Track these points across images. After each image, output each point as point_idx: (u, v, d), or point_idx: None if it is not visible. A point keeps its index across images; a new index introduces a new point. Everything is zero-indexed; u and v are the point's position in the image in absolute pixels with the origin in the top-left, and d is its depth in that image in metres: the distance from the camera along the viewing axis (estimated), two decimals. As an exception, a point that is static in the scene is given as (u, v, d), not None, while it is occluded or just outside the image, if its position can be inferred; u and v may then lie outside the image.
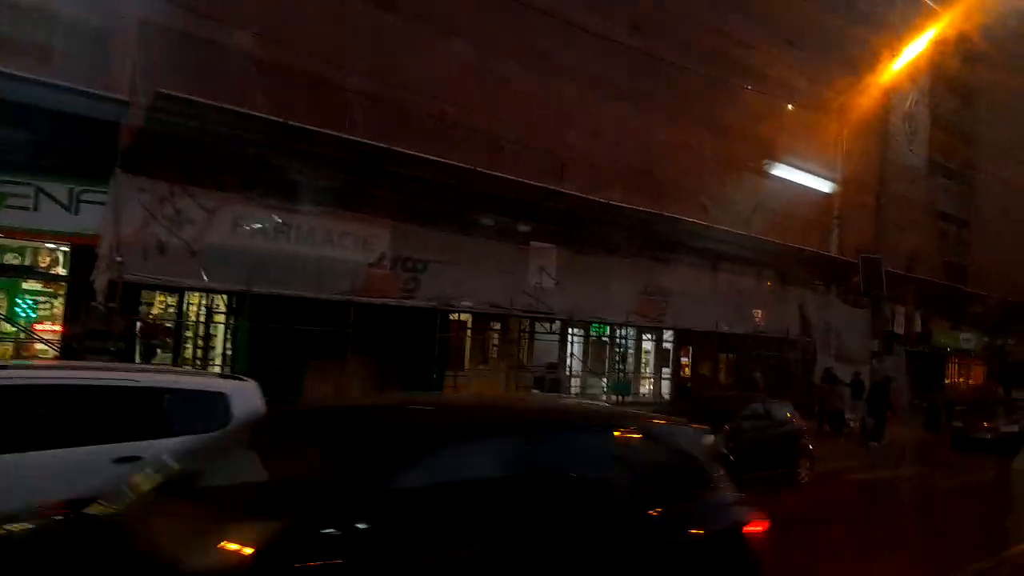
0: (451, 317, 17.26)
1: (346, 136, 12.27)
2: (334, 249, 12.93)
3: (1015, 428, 17.63)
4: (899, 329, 28.06)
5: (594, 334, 20.60)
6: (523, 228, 15.69)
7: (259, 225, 12.22)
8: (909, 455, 15.90)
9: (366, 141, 12.32)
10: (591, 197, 15.64)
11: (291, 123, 11.16)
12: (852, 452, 16.48)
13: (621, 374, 22.26)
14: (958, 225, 33.10)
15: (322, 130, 11.68)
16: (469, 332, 17.74)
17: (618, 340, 21.70)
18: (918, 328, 29.53)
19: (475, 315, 17.14)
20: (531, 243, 16.31)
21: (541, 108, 16.18)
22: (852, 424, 20.14)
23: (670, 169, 19.02)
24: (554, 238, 16.78)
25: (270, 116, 11.08)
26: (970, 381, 36.48)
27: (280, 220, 12.39)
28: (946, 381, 34.28)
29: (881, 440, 17.95)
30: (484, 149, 15.19)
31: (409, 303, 13.98)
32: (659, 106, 18.59)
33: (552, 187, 14.91)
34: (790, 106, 21.77)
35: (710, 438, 5.63)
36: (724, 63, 19.83)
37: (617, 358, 22.17)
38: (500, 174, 14.26)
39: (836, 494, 11.61)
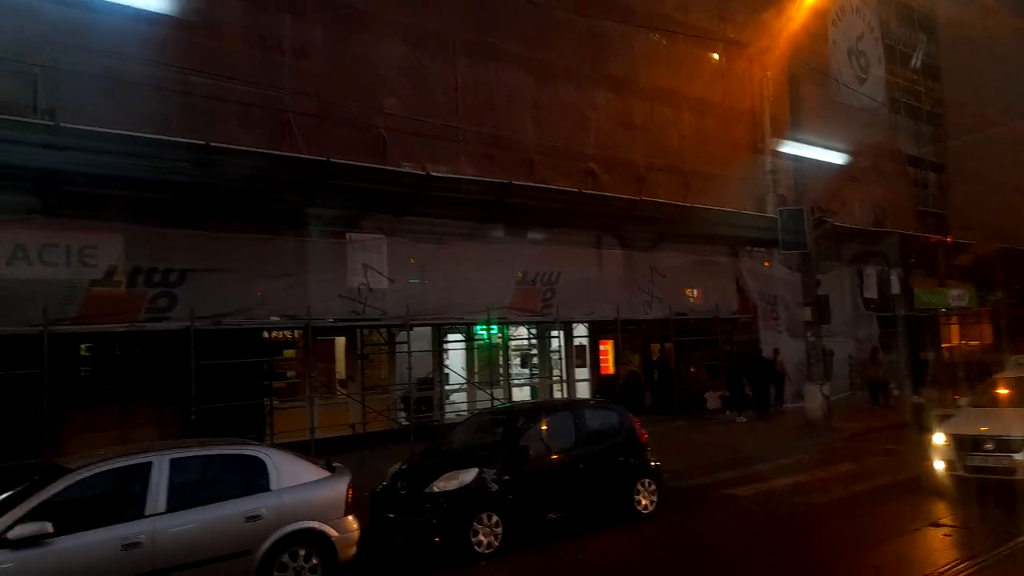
0: (268, 336, 14.23)
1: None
2: (29, 267, 9.92)
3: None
4: (870, 293, 24.55)
5: (480, 338, 17.39)
6: (321, 215, 12.45)
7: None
8: (846, 446, 12.43)
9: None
10: (406, 170, 12.59)
11: None
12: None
13: (534, 379, 19.07)
14: (934, 170, 29.37)
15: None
16: (295, 353, 14.55)
17: (515, 341, 18.50)
18: (895, 290, 25.88)
19: (306, 332, 13.99)
20: (349, 235, 13.22)
21: (336, 59, 13.04)
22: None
23: (541, 131, 15.80)
24: (384, 225, 13.69)
25: None
26: (971, 343, 32.66)
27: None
28: (943, 345, 30.52)
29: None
30: (267, 125, 12.15)
31: (158, 327, 10.92)
32: (514, 55, 15.40)
33: (343, 161, 11.78)
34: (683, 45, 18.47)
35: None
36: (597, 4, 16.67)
37: (519, 363, 18.97)
38: (264, 149, 11.24)
39: (683, 533, 8.25)
